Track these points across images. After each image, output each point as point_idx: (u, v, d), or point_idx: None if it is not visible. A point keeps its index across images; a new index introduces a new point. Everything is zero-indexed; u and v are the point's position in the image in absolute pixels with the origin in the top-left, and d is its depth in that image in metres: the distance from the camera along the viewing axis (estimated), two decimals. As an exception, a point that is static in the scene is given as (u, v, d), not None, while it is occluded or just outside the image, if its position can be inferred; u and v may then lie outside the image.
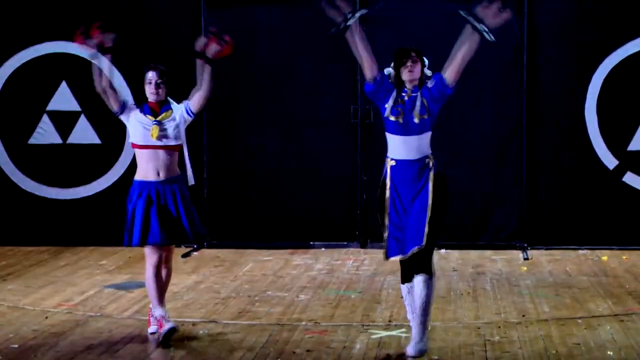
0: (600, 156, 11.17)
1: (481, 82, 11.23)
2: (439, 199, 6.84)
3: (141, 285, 9.48)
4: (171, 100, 7.64)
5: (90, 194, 11.68)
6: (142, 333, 7.68)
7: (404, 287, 7.03)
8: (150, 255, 7.54)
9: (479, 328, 7.78)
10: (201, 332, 7.73)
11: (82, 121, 11.63)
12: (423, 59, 7.16)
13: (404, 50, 7.10)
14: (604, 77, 11.10)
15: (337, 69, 11.31)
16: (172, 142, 7.47)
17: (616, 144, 11.16)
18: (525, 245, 11.25)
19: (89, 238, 11.63)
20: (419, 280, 6.85)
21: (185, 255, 11.03)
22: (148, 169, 7.43)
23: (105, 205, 11.62)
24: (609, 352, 7.05)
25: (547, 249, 11.23)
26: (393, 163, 6.92)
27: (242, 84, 11.44)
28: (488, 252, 11.11)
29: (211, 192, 11.50)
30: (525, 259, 10.75)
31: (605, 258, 10.71)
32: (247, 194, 11.54)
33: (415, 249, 6.80)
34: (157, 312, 7.44)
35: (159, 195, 7.40)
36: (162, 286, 7.58)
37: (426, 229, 6.76)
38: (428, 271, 6.86)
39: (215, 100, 11.33)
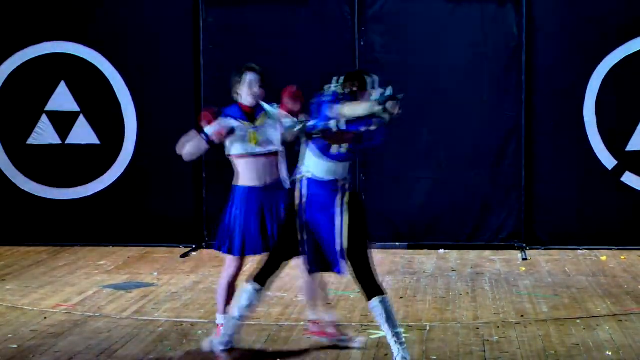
0: (599, 156, 11.17)
1: (479, 82, 11.23)
2: (356, 219, 6.63)
3: (140, 285, 9.50)
4: (263, 103, 7.27)
5: (89, 194, 11.67)
6: (140, 333, 7.69)
7: (251, 285, 6.75)
8: (230, 265, 7.21)
9: (477, 328, 7.79)
10: (200, 332, 7.73)
11: (81, 121, 11.63)
12: (365, 86, 6.73)
13: (349, 76, 6.77)
14: (602, 77, 11.10)
15: (335, 68, 11.26)
16: (272, 148, 7.11)
17: (615, 144, 11.16)
18: (524, 245, 11.25)
19: (87, 238, 11.63)
20: (375, 302, 6.61)
21: (184, 256, 11.03)
22: (252, 176, 7.07)
23: (104, 206, 11.62)
24: (607, 352, 7.05)
25: (545, 249, 11.23)
26: (309, 175, 6.66)
27: (241, 84, 11.43)
28: (487, 253, 11.12)
29: (210, 192, 11.49)
30: (523, 259, 10.76)
31: (604, 258, 10.71)
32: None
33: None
34: (220, 319, 7.24)
35: (264, 202, 7.05)
36: (231, 297, 7.26)
37: (345, 259, 6.60)
38: (379, 292, 6.62)
39: (213, 99, 11.39)
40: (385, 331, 6.70)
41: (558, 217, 11.29)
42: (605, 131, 11.15)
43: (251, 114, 7.18)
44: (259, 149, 7.11)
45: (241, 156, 7.12)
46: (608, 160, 11.17)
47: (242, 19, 11.40)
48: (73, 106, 11.61)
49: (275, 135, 7.16)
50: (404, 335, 7.48)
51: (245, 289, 6.82)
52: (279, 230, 6.94)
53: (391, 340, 6.64)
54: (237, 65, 7.27)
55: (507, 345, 7.30)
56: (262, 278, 6.82)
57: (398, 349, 6.59)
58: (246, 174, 7.12)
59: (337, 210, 6.65)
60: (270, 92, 11.38)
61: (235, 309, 6.89)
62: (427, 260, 10.76)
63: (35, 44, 11.58)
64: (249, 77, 7.19)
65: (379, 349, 7.17)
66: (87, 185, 11.68)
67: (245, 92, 7.19)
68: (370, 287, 6.67)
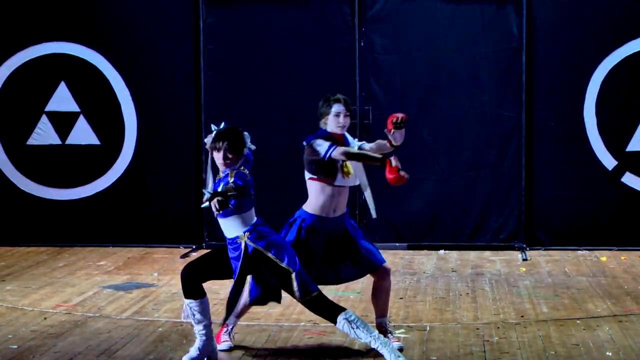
0: (599, 157, 11.17)
1: (480, 83, 11.23)
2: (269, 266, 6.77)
3: (140, 285, 9.50)
4: (347, 135, 7.29)
5: (89, 194, 11.67)
6: (140, 334, 7.69)
7: (194, 302, 6.84)
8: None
9: (477, 329, 7.79)
10: (200, 332, 7.72)
11: (81, 122, 11.62)
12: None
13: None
14: (602, 78, 11.10)
15: (335, 69, 11.31)
16: (355, 182, 7.20)
17: (615, 145, 11.16)
18: (524, 246, 11.25)
19: (87, 238, 11.63)
20: (340, 323, 6.69)
21: (184, 256, 11.02)
22: (324, 206, 7.09)
23: (104, 206, 11.62)
24: (607, 353, 7.05)
25: (545, 250, 11.23)
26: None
27: (241, 84, 11.44)
28: (487, 253, 11.12)
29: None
30: (524, 259, 10.76)
31: (604, 259, 10.71)
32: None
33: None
34: (230, 319, 7.28)
35: (333, 232, 7.12)
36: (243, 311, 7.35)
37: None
38: (338, 311, 6.71)
39: (213, 99, 11.39)
40: (365, 341, 6.70)
41: (558, 218, 11.29)
42: (606, 132, 11.15)
43: (342, 144, 7.16)
44: (345, 181, 7.11)
45: (326, 183, 7.09)
46: (608, 161, 11.17)
47: (242, 19, 11.40)
48: (73, 106, 11.60)
49: (356, 170, 7.20)
50: (404, 336, 7.52)
51: (189, 306, 6.83)
52: (214, 252, 6.98)
53: (376, 345, 6.66)
54: (325, 96, 7.22)
55: (507, 345, 7.30)
56: (195, 291, 6.85)
57: (386, 351, 6.61)
58: (319, 202, 7.11)
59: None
60: (269, 91, 11.47)
61: (195, 326, 6.87)
62: (427, 260, 10.76)
63: (36, 44, 11.58)
64: (336, 109, 7.14)
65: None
66: (87, 185, 11.68)
67: (334, 122, 7.14)
68: (329, 311, 6.76)
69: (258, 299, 7.11)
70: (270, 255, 6.74)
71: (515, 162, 11.25)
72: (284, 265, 6.73)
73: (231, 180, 6.61)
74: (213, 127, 6.83)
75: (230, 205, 6.43)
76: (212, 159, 6.84)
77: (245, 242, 6.75)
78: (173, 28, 11.46)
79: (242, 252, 6.74)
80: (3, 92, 11.68)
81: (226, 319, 7.12)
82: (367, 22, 11.29)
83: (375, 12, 11.28)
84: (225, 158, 6.72)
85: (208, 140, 6.82)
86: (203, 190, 6.52)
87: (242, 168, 6.76)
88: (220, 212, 6.36)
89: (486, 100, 11.25)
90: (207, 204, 6.33)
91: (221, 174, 6.77)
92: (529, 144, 11.25)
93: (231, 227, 6.78)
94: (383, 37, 11.29)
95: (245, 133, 6.83)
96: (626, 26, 11.08)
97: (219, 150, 6.72)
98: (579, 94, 11.15)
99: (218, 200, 6.29)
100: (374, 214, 7.45)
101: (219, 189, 6.56)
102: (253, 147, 6.88)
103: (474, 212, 11.33)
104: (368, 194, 7.39)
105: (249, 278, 7.02)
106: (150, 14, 11.48)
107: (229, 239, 6.81)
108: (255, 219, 6.83)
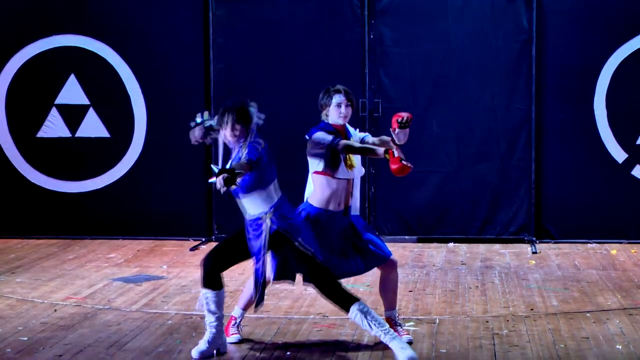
0: (609, 149, 11.14)
1: (489, 75, 11.21)
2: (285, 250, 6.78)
3: (149, 278, 9.51)
4: (348, 126, 7.26)
5: (99, 187, 11.69)
6: (150, 326, 7.70)
7: (211, 293, 6.82)
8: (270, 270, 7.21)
9: (487, 322, 7.79)
10: (209, 325, 7.72)
11: (91, 114, 11.64)
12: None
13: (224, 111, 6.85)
14: (613, 70, 11.08)
15: (344, 62, 11.30)
16: (360, 175, 7.21)
17: (625, 138, 11.13)
18: (534, 239, 11.24)
19: (97, 231, 11.64)
20: (353, 313, 6.66)
21: (193, 249, 11.04)
22: (329, 199, 7.06)
23: (113, 198, 11.63)
24: (617, 346, 7.05)
25: (555, 243, 11.22)
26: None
27: (250, 76, 11.43)
28: (496, 246, 11.11)
29: (219, 185, 11.49)
30: (533, 252, 10.75)
31: (614, 252, 10.70)
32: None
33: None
34: (237, 311, 7.28)
35: (338, 226, 7.08)
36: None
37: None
38: (352, 300, 6.69)
39: (223, 92, 11.39)
40: (375, 334, 6.68)
41: (568, 211, 11.27)
42: (616, 124, 11.12)
43: (344, 135, 7.15)
44: (348, 174, 7.09)
45: (330, 176, 7.06)
46: (618, 154, 11.15)
47: (251, 12, 11.39)
48: (83, 99, 11.62)
49: (358, 161, 7.19)
50: (413, 328, 7.52)
51: (205, 296, 6.82)
52: (233, 236, 6.91)
53: (385, 339, 6.63)
54: (325, 88, 7.22)
55: (516, 338, 7.29)
56: (215, 282, 6.83)
57: (395, 344, 6.60)
58: (325, 195, 7.08)
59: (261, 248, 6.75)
60: (277, 85, 11.46)
61: (207, 316, 6.86)
62: (437, 253, 10.76)
63: (46, 37, 11.59)
64: (337, 99, 7.14)
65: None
66: (96, 178, 11.69)
67: (335, 113, 7.15)
68: (342, 299, 6.72)
69: (275, 276, 7.00)
70: (292, 237, 6.69)
71: (525, 155, 11.23)
72: (303, 248, 6.68)
73: (244, 153, 6.54)
74: (199, 116, 6.79)
75: (237, 184, 6.32)
76: (223, 142, 6.77)
77: (268, 222, 6.69)
78: (183, 21, 11.46)
79: (265, 232, 6.68)
80: (13, 84, 11.69)
81: (258, 303, 6.90)
82: (377, 14, 11.28)
83: (384, 4, 11.26)
84: (233, 129, 6.63)
85: (197, 130, 6.75)
86: (211, 165, 6.42)
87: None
88: (226, 189, 6.26)
89: (496, 93, 11.23)
90: (214, 179, 6.23)
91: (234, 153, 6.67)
92: (539, 136, 11.23)
93: (254, 204, 6.69)
94: (393, 30, 11.27)
95: (252, 103, 6.73)
96: (637, 19, 11.04)
97: (226, 124, 6.65)
98: (589, 87, 11.12)
99: (224, 177, 6.19)
100: (356, 211, 7.40)
101: (228, 165, 6.47)
102: (262, 116, 6.75)
103: (483, 205, 11.32)
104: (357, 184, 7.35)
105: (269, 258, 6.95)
106: (160, 7, 11.48)
107: (251, 219, 6.72)
108: (279, 193, 6.75)
